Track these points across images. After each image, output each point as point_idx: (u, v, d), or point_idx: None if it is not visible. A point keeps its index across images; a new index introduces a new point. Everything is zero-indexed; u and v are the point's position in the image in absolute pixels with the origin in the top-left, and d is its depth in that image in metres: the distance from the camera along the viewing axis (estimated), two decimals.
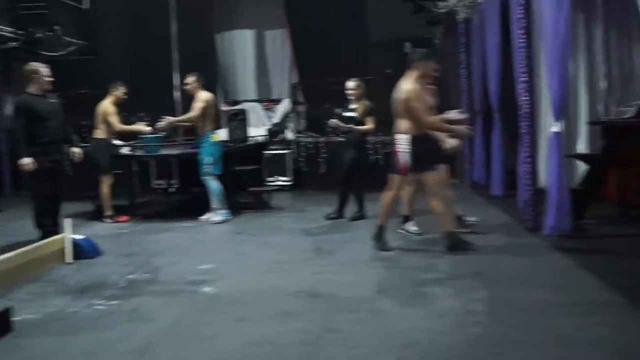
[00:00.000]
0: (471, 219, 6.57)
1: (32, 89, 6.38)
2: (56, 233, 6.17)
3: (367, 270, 5.30)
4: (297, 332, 3.81)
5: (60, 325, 4.08)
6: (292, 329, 3.86)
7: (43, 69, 6.44)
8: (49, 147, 6.33)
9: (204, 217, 7.80)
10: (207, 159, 7.68)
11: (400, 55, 10.67)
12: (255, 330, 3.88)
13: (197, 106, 7.72)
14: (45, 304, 4.57)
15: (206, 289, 4.84)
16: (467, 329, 3.78)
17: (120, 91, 8.11)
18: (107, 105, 8.02)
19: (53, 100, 6.51)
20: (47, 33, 10.88)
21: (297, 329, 3.87)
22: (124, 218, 8.08)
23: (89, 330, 4.00)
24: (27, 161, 6.14)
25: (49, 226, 6.39)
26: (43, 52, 11.07)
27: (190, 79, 7.84)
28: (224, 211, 7.77)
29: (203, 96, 7.80)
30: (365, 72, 9.35)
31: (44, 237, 6.19)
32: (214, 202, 7.74)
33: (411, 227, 6.52)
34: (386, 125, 8.78)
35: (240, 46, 12.48)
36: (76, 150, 6.78)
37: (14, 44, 11.19)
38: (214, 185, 7.71)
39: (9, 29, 10.91)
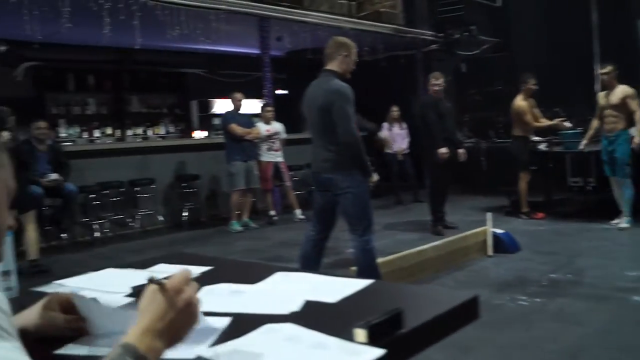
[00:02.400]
0: None
1: (430, 92, 7.37)
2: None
3: None
4: None
5: (488, 316, 4.19)
6: None
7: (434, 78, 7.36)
8: (446, 143, 7.12)
9: (614, 222, 7.19)
10: (625, 159, 7.05)
11: None
12: None
13: (637, 103, 7.07)
14: (472, 293, 4.74)
15: (637, 298, 4.45)
16: None
17: (530, 84, 7.95)
18: (519, 104, 7.93)
19: (448, 104, 7.41)
20: (464, 33, 11.39)
21: None
22: (540, 215, 7.98)
23: (516, 324, 4.04)
24: (443, 150, 7.03)
25: (442, 212, 7.37)
26: (460, 52, 11.63)
27: (608, 69, 7.18)
28: (628, 218, 7.07)
29: (629, 90, 7.15)
30: None
31: (436, 221, 7.28)
32: (626, 206, 7.08)
33: None
34: None
35: None
36: (461, 151, 7.46)
37: (434, 46, 12.02)
38: (629, 188, 7.06)
39: (429, 32, 11.74)
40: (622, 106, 7.04)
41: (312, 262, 4.52)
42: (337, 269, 5.49)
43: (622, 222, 7.05)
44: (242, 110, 8.55)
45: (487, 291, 4.80)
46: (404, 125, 10.42)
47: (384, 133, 10.28)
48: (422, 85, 12.40)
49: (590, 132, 7.64)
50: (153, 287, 1.11)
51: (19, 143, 6.53)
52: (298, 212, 8.82)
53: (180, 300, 1.09)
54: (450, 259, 5.50)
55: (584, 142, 7.68)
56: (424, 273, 5.11)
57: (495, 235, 6.02)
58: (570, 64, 10.82)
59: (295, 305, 1.55)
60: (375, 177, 4.53)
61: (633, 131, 7.00)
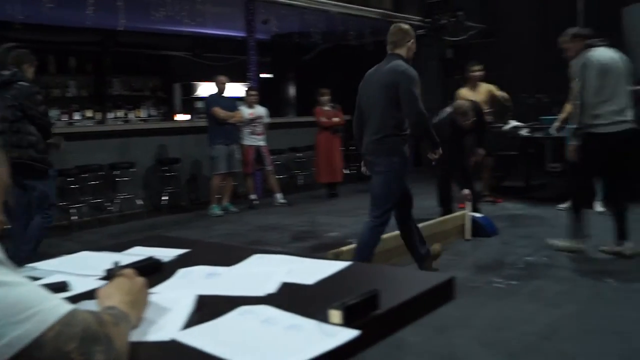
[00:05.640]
0: None
1: None
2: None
3: None
4: None
5: (465, 297, 4.24)
6: None
7: None
8: None
9: (562, 206, 7.20)
10: None
11: None
12: None
13: None
14: (446, 275, 4.79)
15: (610, 280, 4.55)
16: None
17: (471, 71, 7.90)
18: (458, 93, 7.96)
19: None
20: (451, 19, 11.39)
21: None
22: (499, 200, 8.07)
23: (491, 306, 4.11)
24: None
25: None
26: (446, 38, 11.63)
27: None
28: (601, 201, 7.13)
29: None
30: None
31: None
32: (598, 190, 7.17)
33: None
34: None
35: None
36: None
37: (421, 31, 12.00)
38: None
39: (417, 17, 11.73)
40: None
41: (410, 243, 4.74)
42: (316, 252, 5.53)
43: (598, 206, 7.17)
44: (225, 94, 8.51)
45: (464, 273, 4.86)
46: None
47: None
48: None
49: (563, 116, 7.38)
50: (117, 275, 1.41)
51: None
52: (279, 196, 8.83)
53: (138, 281, 1.39)
54: (429, 242, 5.54)
55: (556, 124, 7.56)
56: (403, 256, 5.15)
57: (473, 219, 6.08)
58: (555, 50, 10.83)
59: (271, 287, 1.57)
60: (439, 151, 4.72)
61: None
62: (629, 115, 5.06)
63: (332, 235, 6.58)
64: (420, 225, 5.59)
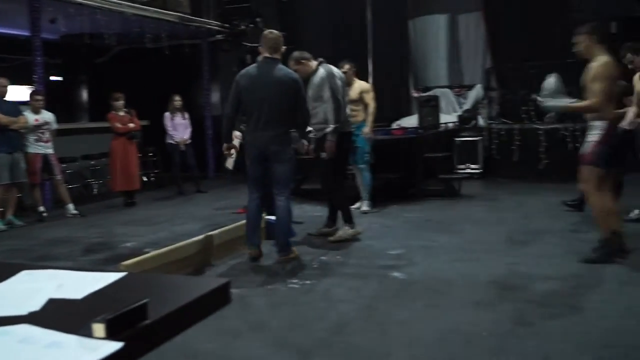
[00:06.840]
0: None
1: None
2: None
3: (563, 264, 5.01)
4: (489, 323, 3.71)
5: (260, 301, 4.32)
6: (483, 320, 3.77)
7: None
8: None
9: (356, 205, 7.64)
10: (364, 148, 7.57)
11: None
12: (446, 318, 3.84)
13: (372, 96, 7.59)
14: (247, 279, 4.87)
15: (396, 274, 4.87)
16: None
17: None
18: None
19: None
20: (249, 25, 11.53)
21: (488, 319, 3.77)
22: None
23: (287, 306, 4.21)
24: None
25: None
26: (246, 44, 11.75)
27: (347, 67, 7.38)
28: (368, 202, 7.74)
29: (366, 85, 7.75)
30: (567, 54, 8.75)
31: None
32: (365, 191, 7.72)
33: None
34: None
35: (432, 31, 12.34)
36: None
37: (219, 36, 12.01)
38: (368, 175, 7.68)
39: (215, 22, 11.72)
40: (360, 100, 7.52)
41: (258, 222, 5.40)
42: (109, 264, 5.30)
43: (364, 206, 7.69)
44: (7, 97, 7.88)
45: (260, 276, 4.95)
46: (187, 115, 10.27)
47: (166, 123, 10.05)
48: (207, 75, 12.39)
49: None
50: None
51: None
52: (70, 207, 8.34)
53: None
54: (228, 247, 5.56)
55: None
56: (202, 263, 5.12)
57: (270, 222, 6.16)
58: (348, 56, 11.38)
59: (35, 305, 1.48)
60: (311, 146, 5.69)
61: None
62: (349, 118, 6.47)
63: (128, 246, 6.35)
64: (217, 231, 5.63)
